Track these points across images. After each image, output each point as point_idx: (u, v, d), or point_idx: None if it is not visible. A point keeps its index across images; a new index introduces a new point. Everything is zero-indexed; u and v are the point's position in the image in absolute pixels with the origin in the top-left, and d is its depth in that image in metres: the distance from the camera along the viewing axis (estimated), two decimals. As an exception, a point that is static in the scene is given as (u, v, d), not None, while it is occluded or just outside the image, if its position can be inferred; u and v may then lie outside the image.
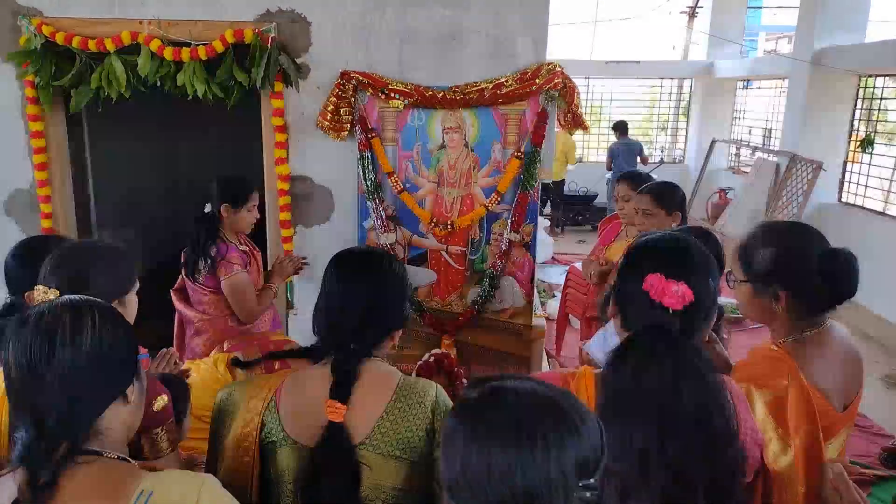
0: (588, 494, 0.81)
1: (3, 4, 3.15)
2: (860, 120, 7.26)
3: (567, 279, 4.36)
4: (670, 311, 1.18)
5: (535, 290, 3.88)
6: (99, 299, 1.15)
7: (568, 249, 8.40)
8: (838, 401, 1.57)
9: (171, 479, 1.07)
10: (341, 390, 1.41)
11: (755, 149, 9.38)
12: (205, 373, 2.11)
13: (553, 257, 7.73)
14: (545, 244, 7.45)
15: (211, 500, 1.06)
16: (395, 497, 1.43)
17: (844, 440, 1.64)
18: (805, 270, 1.52)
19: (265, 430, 1.45)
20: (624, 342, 1.19)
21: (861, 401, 1.66)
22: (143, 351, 1.23)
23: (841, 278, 1.52)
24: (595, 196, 10.14)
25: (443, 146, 3.33)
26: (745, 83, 10.50)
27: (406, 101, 3.23)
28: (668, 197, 2.78)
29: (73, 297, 1.13)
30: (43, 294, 1.43)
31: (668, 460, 1.08)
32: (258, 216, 2.95)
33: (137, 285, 1.68)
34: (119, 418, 1.12)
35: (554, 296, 5.97)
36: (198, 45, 3.11)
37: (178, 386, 1.80)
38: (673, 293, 1.16)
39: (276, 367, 1.94)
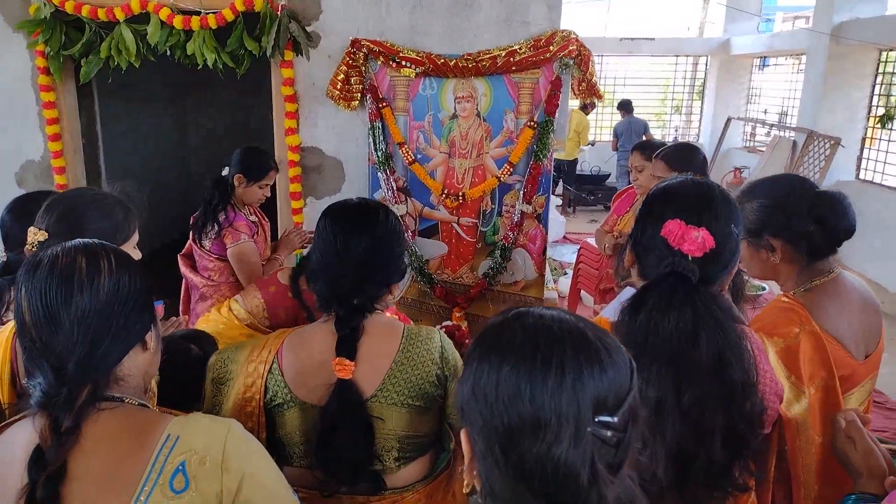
0: (609, 434, 0.76)
1: (12, -27, 3.14)
2: (879, 95, 7.12)
3: (579, 254, 4.32)
4: (690, 259, 1.14)
5: (548, 268, 3.84)
6: (111, 243, 1.13)
7: (580, 229, 8.33)
8: (857, 349, 1.55)
9: (197, 423, 1.06)
10: (348, 346, 1.38)
11: (771, 126, 9.24)
12: (214, 325, 2.09)
13: (565, 236, 7.67)
14: (557, 223, 7.40)
15: (237, 444, 1.05)
16: (410, 444, 1.44)
17: (869, 391, 1.61)
18: (793, 216, 1.51)
19: (269, 394, 1.41)
20: (641, 289, 1.16)
21: (883, 352, 1.63)
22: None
23: (833, 219, 1.50)
24: (607, 176, 10.05)
25: (454, 116, 3.29)
26: (762, 62, 10.32)
27: (417, 70, 3.18)
28: (686, 159, 2.70)
29: (86, 240, 1.10)
30: (33, 235, 1.41)
31: (683, 409, 1.06)
32: (268, 195, 2.90)
33: (136, 237, 1.64)
34: (138, 365, 1.11)
35: (566, 273, 5.92)
36: (207, 13, 3.09)
37: (206, 341, 1.78)
38: (693, 239, 1.12)
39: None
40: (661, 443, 1.05)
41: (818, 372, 1.46)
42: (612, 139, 9.30)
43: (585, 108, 9.28)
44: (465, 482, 0.85)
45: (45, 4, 3.09)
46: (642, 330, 1.09)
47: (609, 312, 2.12)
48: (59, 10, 3.09)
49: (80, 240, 1.10)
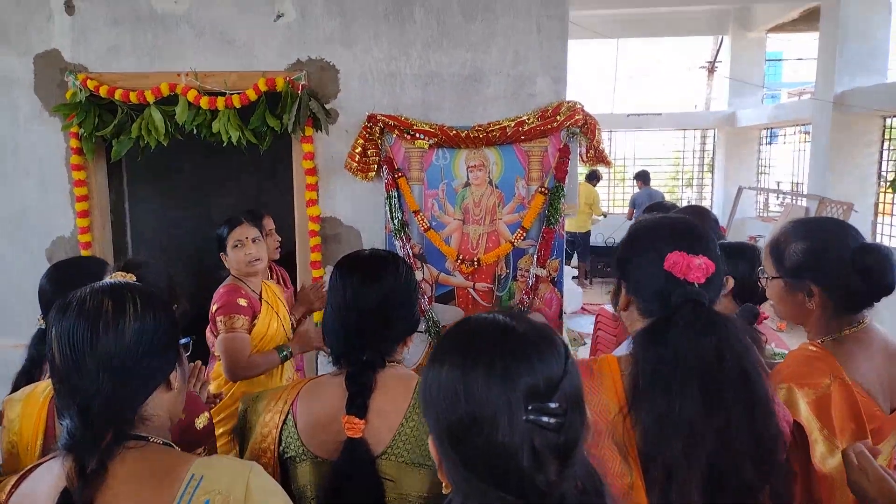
0: (548, 419, 0.80)
1: (52, 62, 3.37)
2: (888, 161, 7.22)
3: (597, 322, 4.31)
4: (696, 286, 1.18)
5: (566, 334, 3.84)
6: (138, 283, 1.18)
7: (597, 300, 8.32)
8: (884, 402, 1.51)
9: (221, 464, 1.08)
10: (358, 404, 1.36)
11: (783, 194, 9.34)
12: None
13: (582, 307, 7.67)
14: (574, 294, 7.42)
15: (259, 485, 1.07)
16: None
17: (894, 446, 1.57)
18: (839, 265, 1.48)
19: (283, 446, 1.41)
20: (659, 320, 1.18)
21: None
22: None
23: (876, 273, 1.47)
24: (622, 247, 10.11)
25: (467, 184, 3.40)
26: (770, 135, 10.54)
27: (431, 141, 3.32)
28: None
29: (113, 281, 1.15)
30: (122, 277, 1.53)
31: (713, 431, 1.07)
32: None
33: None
34: (163, 405, 1.13)
35: (584, 343, 5.90)
36: (232, 93, 3.26)
37: None
38: (697, 267, 1.17)
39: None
40: (694, 469, 1.06)
41: (848, 424, 1.42)
42: (628, 209, 9.43)
43: (592, 180, 9.47)
44: (444, 483, 0.90)
45: (80, 89, 3.29)
46: (671, 357, 1.12)
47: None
48: (93, 95, 3.29)
49: (109, 281, 1.15)
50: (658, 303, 1.22)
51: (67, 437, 1.03)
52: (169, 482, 1.03)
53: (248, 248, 2.67)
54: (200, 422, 1.60)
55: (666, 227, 1.30)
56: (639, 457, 1.13)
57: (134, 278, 1.56)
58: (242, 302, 2.60)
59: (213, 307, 2.60)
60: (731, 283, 2.02)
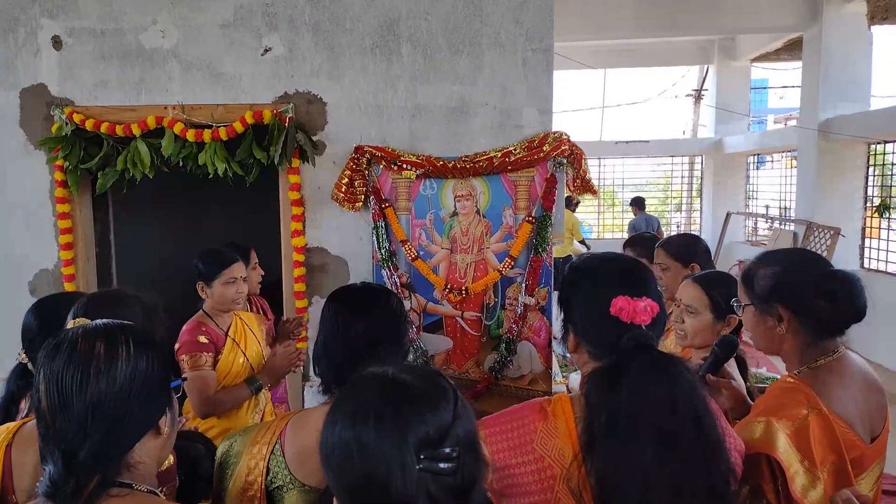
0: (442, 465, 0.82)
1: (38, 96, 3.37)
2: (874, 186, 7.30)
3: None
4: (643, 328, 1.19)
5: (555, 361, 3.82)
6: (132, 323, 1.16)
7: (588, 326, 8.31)
8: (864, 432, 1.51)
9: None
10: None
11: (771, 219, 9.42)
12: None
13: (573, 333, 7.66)
14: (565, 320, 7.41)
15: None
16: None
17: (879, 476, 1.56)
18: (805, 290, 1.50)
19: (270, 475, 1.42)
20: (610, 365, 1.18)
21: (889, 434, 1.59)
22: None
23: (842, 299, 1.48)
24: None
25: (455, 213, 3.40)
26: (757, 161, 10.66)
27: (418, 172, 3.32)
28: (683, 249, 2.77)
29: (107, 322, 1.12)
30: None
31: (668, 475, 1.07)
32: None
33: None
34: (150, 451, 1.10)
35: (576, 369, 5.87)
36: (219, 126, 3.27)
37: (205, 442, 1.77)
38: (643, 310, 1.18)
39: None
40: None
41: (828, 456, 1.42)
42: (627, 235, 9.50)
43: (570, 206, 9.55)
44: None
45: (66, 123, 3.29)
46: (625, 405, 1.12)
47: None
48: (79, 128, 3.29)
49: (103, 322, 1.12)
50: (607, 347, 1.22)
51: (49, 483, 1.00)
52: None
53: (239, 287, 2.69)
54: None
55: (606, 270, 1.31)
56: (593, 501, 1.13)
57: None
58: (203, 339, 2.60)
59: (176, 346, 2.59)
60: (735, 321, 2.02)
